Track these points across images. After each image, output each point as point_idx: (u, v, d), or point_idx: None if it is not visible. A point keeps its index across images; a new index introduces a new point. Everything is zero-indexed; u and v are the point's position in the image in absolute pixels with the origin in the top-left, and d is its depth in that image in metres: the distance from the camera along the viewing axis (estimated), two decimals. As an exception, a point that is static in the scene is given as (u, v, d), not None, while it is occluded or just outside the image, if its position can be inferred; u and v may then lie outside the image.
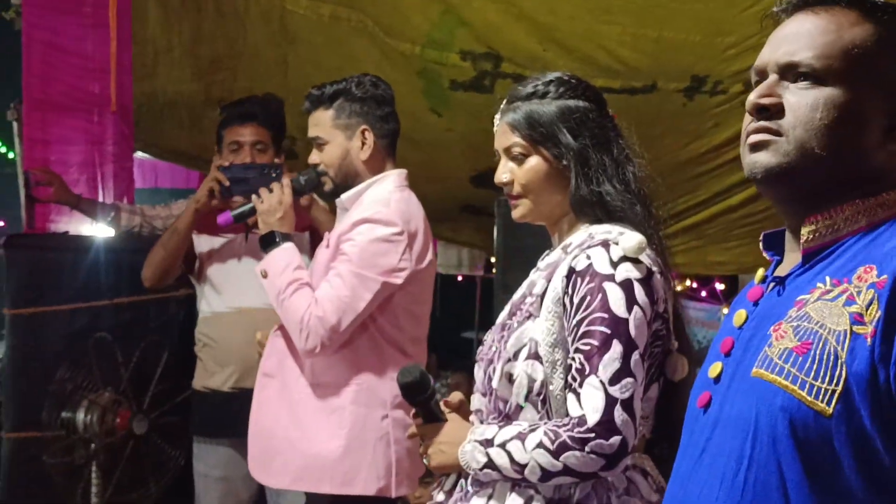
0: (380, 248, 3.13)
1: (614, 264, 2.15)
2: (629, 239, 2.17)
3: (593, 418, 2.08)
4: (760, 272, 1.59)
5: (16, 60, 4.44)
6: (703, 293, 8.45)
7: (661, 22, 4.23)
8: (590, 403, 2.08)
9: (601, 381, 2.08)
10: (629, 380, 2.09)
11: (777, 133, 1.49)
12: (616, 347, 2.10)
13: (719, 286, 8.25)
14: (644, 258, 2.19)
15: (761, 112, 1.51)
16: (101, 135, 4.48)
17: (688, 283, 8.51)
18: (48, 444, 4.06)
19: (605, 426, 2.07)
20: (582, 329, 2.13)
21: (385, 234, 3.14)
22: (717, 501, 1.43)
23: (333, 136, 3.28)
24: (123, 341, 4.18)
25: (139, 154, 5.60)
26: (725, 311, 8.28)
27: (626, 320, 2.12)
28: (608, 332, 2.10)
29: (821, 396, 1.35)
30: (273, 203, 3.30)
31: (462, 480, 2.32)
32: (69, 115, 4.47)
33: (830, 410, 1.34)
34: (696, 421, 1.53)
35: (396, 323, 3.25)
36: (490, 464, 2.17)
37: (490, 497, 2.23)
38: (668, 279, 2.28)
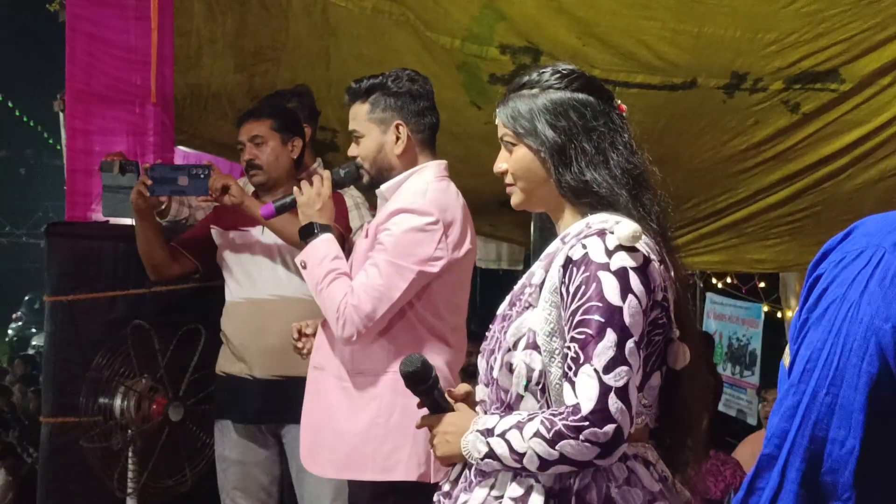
0: (415, 237, 3.16)
1: (609, 253, 2.15)
2: (624, 227, 2.16)
3: (587, 406, 2.07)
4: None
5: (60, 52, 4.49)
6: (744, 290, 8.41)
7: (701, 18, 4.21)
8: (584, 392, 2.08)
9: (595, 370, 2.08)
10: (624, 368, 2.09)
11: None
12: (610, 336, 2.09)
13: (760, 284, 8.21)
14: (641, 246, 2.18)
15: None
16: (142, 126, 4.52)
17: (729, 280, 8.47)
18: (86, 429, 4.12)
19: (600, 414, 2.07)
20: (577, 318, 2.12)
21: (420, 224, 3.16)
22: None
23: (369, 130, 3.29)
24: (161, 329, 4.25)
25: (183, 147, 5.66)
26: (766, 308, 8.23)
27: (621, 308, 2.11)
28: (602, 320, 2.10)
29: None
30: (312, 195, 3.32)
31: (466, 471, 2.33)
32: (111, 106, 4.51)
33: None
34: None
35: (436, 312, 3.28)
36: (491, 453, 2.18)
37: (492, 487, 2.24)
38: (669, 268, 2.26)
